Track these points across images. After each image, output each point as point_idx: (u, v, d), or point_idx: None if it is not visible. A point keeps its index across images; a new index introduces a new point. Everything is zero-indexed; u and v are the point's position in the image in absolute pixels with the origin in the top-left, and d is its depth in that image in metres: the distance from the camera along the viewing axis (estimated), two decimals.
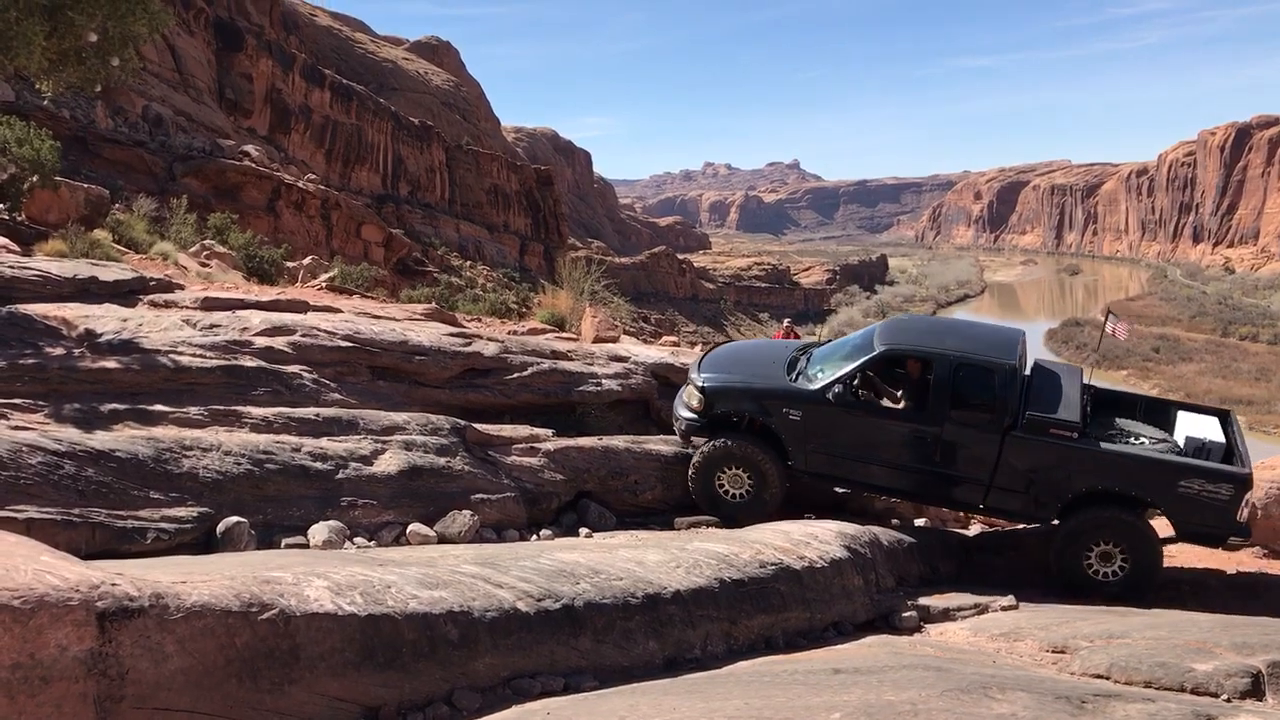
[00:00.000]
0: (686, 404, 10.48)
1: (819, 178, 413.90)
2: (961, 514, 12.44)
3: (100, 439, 7.27)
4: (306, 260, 26.72)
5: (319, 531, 7.58)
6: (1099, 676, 6.43)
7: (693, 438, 10.42)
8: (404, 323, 11.33)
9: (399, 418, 9.22)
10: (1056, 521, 9.67)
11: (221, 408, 8.46)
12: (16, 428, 7.13)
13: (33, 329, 8.61)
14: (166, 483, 7.27)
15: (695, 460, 10.10)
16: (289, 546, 7.38)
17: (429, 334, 10.80)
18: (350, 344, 9.99)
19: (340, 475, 8.21)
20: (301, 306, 11.14)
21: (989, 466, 9.59)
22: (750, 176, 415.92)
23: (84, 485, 6.79)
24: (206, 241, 21.90)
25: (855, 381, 9.96)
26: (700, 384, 10.29)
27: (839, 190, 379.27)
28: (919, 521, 11.65)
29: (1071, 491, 9.44)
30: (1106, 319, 12.32)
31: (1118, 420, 10.48)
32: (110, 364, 8.41)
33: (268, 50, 73.38)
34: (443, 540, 8.16)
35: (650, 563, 6.89)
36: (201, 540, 7.14)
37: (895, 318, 13.32)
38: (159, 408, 8.19)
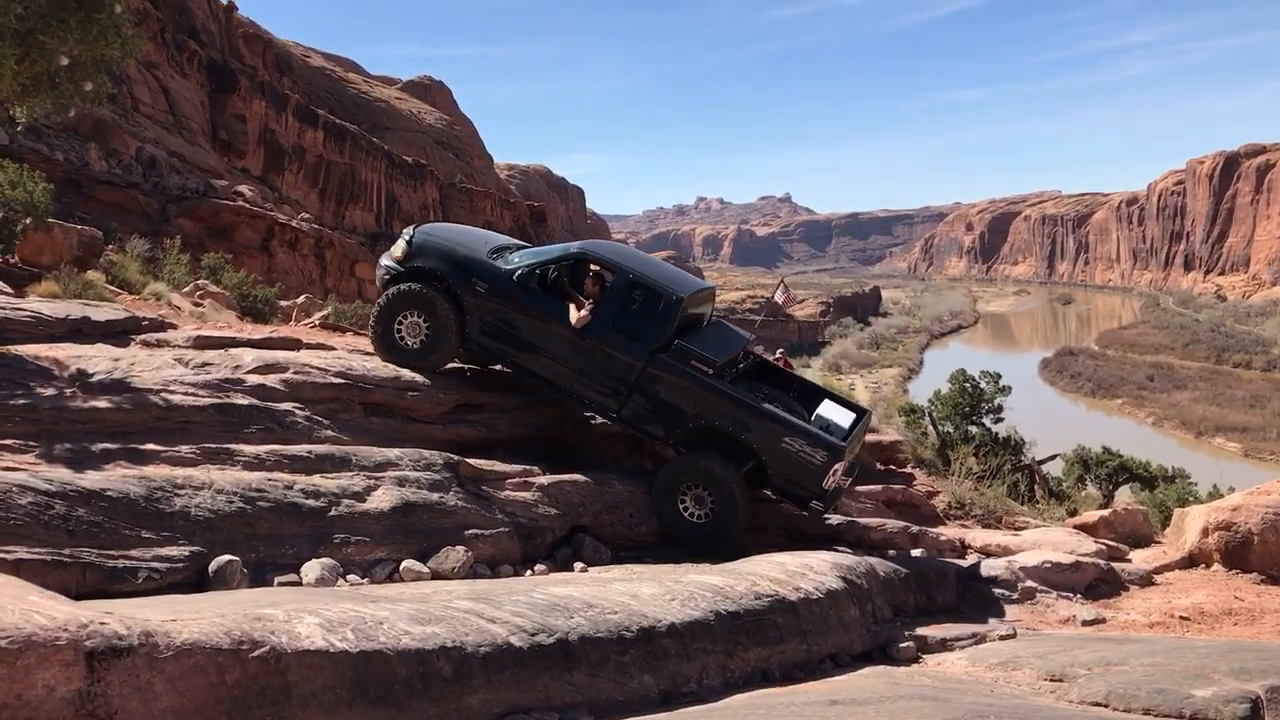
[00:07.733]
0: (391, 254, 11.05)
1: (811, 210, 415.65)
2: (944, 543, 12.45)
3: (91, 479, 7.23)
4: (300, 299, 26.69)
5: (312, 569, 7.53)
6: (1097, 704, 6.39)
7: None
8: None
9: (392, 454, 9.19)
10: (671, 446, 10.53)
11: (213, 446, 8.43)
12: (7, 468, 7.07)
13: (24, 370, 8.57)
14: (158, 522, 7.22)
15: (379, 301, 10.55)
16: (282, 584, 7.32)
17: None
18: (343, 380, 9.98)
19: (333, 512, 8.17)
20: (294, 344, 11.14)
21: (632, 379, 10.34)
22: (742, 210, 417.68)
23: (75, 525, 6.74)
24: (200, 281, 21.88)
25: (546, 274, 10.67)
26: (409, 236, 10.94)
27: (831, 223, 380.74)
28: (916, 552, 11.60)
29: (692, 420, 10.27)
30: (777, 288, 14.58)
31: (765, 389, 11.24)
32: (102, 403, 8.38)
33: (261, 91, 73.78)
34: (436, 576, 8.12)
35: (645, 596, 6.86)
36: (194, 579, 7.08)
37: (609, 241, 14.46)
38: (151, 446, 8.15)
